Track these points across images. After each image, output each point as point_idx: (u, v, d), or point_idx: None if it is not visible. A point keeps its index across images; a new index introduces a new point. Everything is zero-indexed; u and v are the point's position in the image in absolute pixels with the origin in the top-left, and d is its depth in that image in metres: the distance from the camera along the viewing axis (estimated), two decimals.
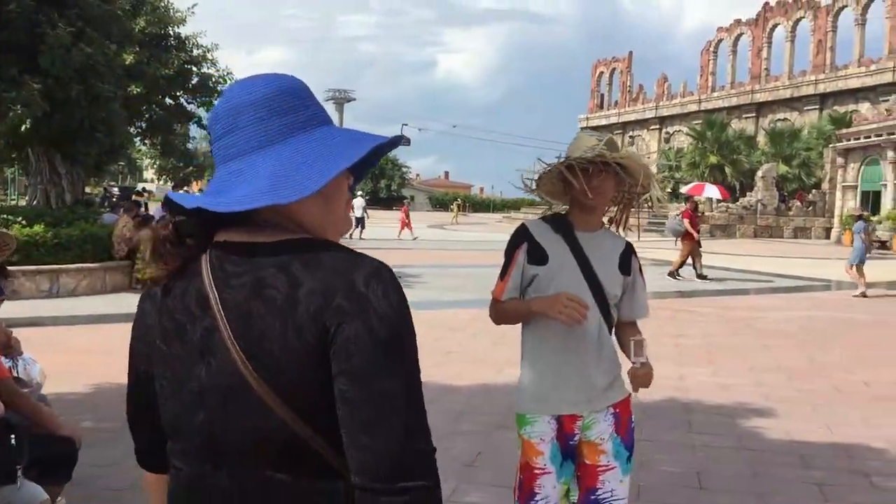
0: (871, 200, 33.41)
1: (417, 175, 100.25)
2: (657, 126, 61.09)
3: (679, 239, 17.42)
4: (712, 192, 28.91)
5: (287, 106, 1.23)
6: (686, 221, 17.01)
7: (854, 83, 45.35)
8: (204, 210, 1.20)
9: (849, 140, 34.74)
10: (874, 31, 46.38)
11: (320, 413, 1.16)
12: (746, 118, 52.68)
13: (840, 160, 35.75)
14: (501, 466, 4.82)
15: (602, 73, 70.57)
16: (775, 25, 52.88)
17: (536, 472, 2.63)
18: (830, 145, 37.35)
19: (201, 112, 24.82)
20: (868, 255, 15.42)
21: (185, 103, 24.60)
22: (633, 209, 2.83)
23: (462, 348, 8.36)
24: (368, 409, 1.12)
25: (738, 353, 8.91)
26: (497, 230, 40.31)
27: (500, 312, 2.73)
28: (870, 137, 32.85)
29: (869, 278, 15.68)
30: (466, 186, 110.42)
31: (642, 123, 62.56)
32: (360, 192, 37.74)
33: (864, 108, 41.95)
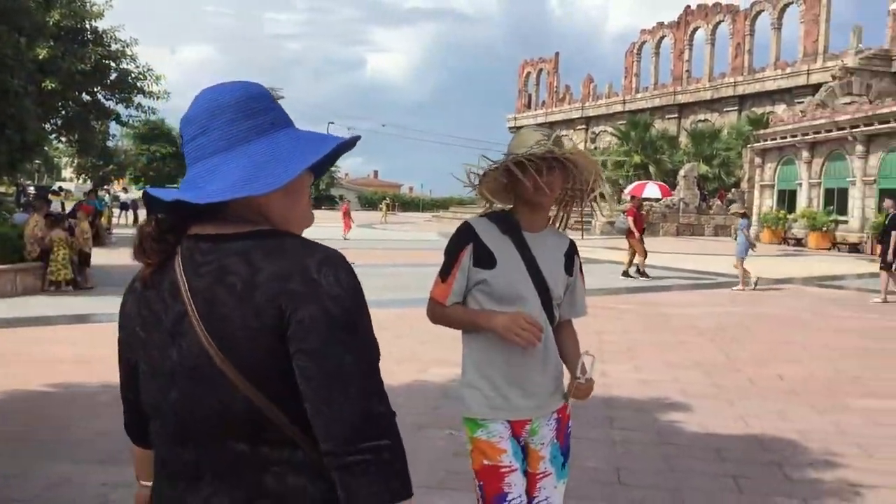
0: (788, 199, 34.58)
1: (346, 174, 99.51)
2: (583, 126, 62.02)
3: (626, 237, 17.74)
4: (653, 190, 29.27)
5: (254, 110, 1.36)
6: (630, 220, 17.36)
7: (770, 85, 46.89)
8: (179, 206, 1.31)
9: (766, 140, 35.89)
10: (789, 34, 48.07)
11: (280, 389, 1.27)
12: (669, 119, 53.92)
13: (758, 160, 36.90)
14: (423, 466, 4.78)
15: (529, 73, 71.30)
16: (696, 28, 54.26)
17: (503, 470, 2.48)
18: (748, 145, 38.51)
19: (120, 109, 24.14)
20: (751, 252, 16.10)
21: (103, 100, 23.88)
22: (575, 207, 2.75)
23: (387, 348, 8.14)
24: (327, 383, 1.23)
25: (658, 350, 9.09)
26: (426, 229, 40.37)
27: (441, 317, 2.59)
28: (786, 138, 34.00)
29: (785, 274, 16.17)
30: (395, 185, 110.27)
31: (569, 123, 63.42)
32: None
33: (781, 109, 43.38)
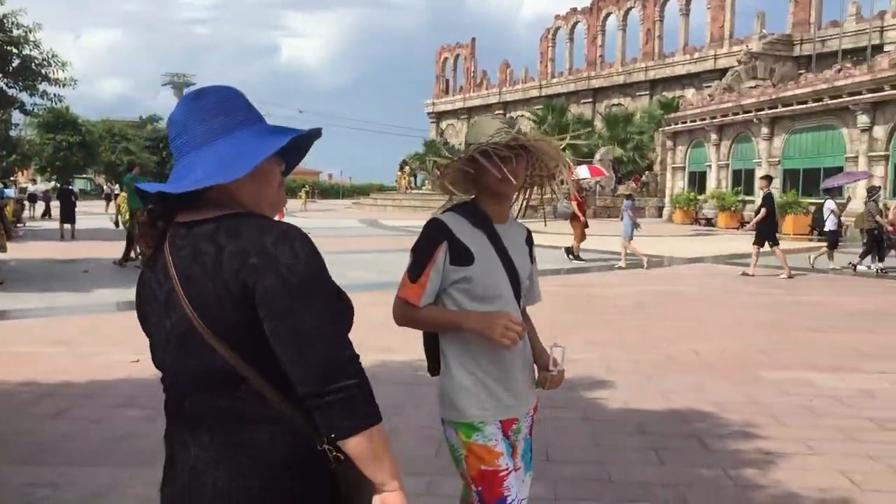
0: (698, 181, 35.68)
1: None
2: (501, 111, 62.49)
3: (569, 221, 18.14)
4: (582, 172, 29.60)
5: (224, 111, 1.60)
6: (574, 204, 17.76)
7: (680, 70, 48.19)
8: (165, 197, 1.57)
9: (676, 124, 36.90)
10: (697, 20, 49.45)
11: (254, 350, 1.50)
12: (584, 103, 54.87)
13: (669, 143, 37.93)
14: None
15: (447, 59, 71.40)
16: (608, 14, 55.29)
17: (502, 474, 2.42)
18: (660, 129, 39.53)
19: (24, 97, 23.04)
20: (636, 232, 16.90)
21: (5, 88, 22.76)
22: (535, 195, 2.71)
23: None
24: (294, 339, 1.46)
25: (581, 329, 9.29)
26: (347, 216, 40.12)
27: (413, 318, 2.45)
28: (695, 121, 35.03)
29: (696, 253, 16.56)
30: (315, 173, 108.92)
31: (487, 108, 63.88)
32: None
33: (690, 93, 44.67)
